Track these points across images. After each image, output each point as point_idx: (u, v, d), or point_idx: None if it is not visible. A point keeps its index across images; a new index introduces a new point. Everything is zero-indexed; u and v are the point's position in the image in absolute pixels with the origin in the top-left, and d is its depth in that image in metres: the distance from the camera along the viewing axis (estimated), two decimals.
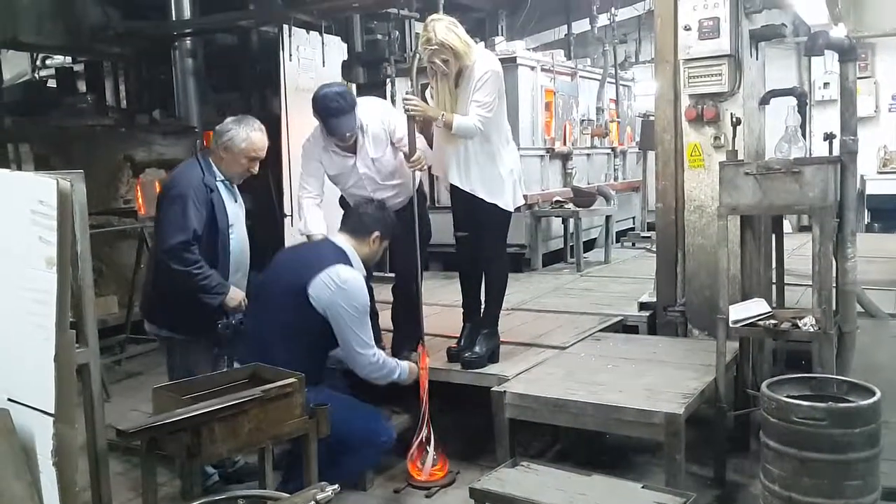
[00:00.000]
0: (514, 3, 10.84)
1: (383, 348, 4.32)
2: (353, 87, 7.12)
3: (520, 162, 4.27)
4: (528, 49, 8.62)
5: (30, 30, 7.22)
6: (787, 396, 3.08)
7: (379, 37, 7.84)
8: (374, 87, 7.45)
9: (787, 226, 4.60)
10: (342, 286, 3.46)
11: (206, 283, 3.56)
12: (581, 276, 7.11)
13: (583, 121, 9.06)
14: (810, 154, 4.47)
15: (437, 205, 6.81)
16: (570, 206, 7.70)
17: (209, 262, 3.60)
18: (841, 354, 3.82)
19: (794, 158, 3.83)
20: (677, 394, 3.58)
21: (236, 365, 3.42)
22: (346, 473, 3.50)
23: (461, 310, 4.35)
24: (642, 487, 3.07)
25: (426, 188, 5.36)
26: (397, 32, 7.70)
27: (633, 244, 9.10)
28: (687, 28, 4.38)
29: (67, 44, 7.81)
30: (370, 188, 4.17)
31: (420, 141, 4.02)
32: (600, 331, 4.88)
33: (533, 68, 7.94)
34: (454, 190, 4.11)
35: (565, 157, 8.48)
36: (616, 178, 9.80)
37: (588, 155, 9.21)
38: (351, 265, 3.60)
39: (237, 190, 3.89)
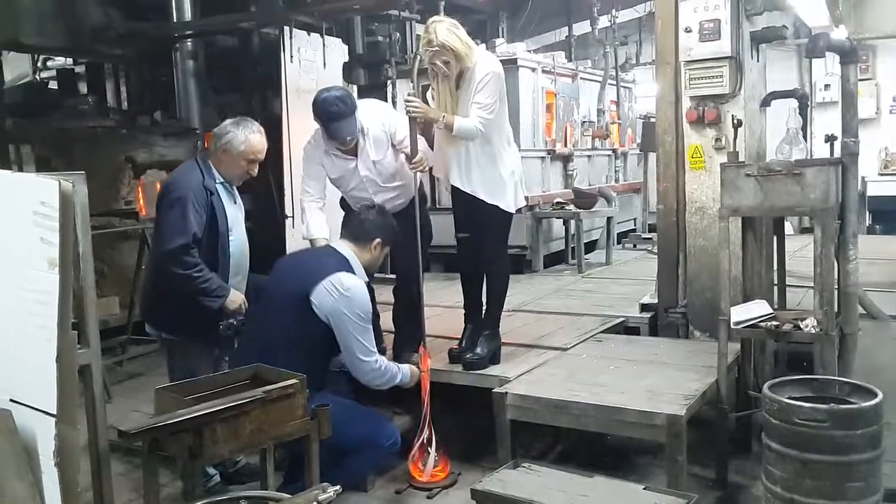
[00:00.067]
0: (514, 4, 10.86)
1: (384, 349, 4.32)
2: (354, 88, 7.13)
3: (521, 163, 4.27)
4: (529, 51, 8.63)
5: (31, 31, 7.22)
6: (789, 398, 3.07)
7: (380, 38, 7.85)
8: (375, 88, 7.45)
9: (788, 227, 4.60)
10: (345, 293, 3.47)
11: (206, 286, 3.56)
12: (582, 278, 7.11)
13: (584, 122, 9.07)
14: (811, 156, 4.48)
15: (437, 206, 6.81)
16: (572, 207, 7.70)
17: (209, 265, 3.60)
18: (843, 356, 3.81)
19: (795, 160, 3.83)
20: (679, 395, 3.58)
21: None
22: (349, 475, 3.51)
23: (462, 311, 4.35)
24: (644, 489, 3.07)
25: (427, 190, 5.36)
26: (398, 34, 7.70)
27: (635, 246, 9.10)
28: (688, 30, 4.39)
29: (68, 45, 7.81)
30: (371, 190, 4.17)
31: (421, 142, 4.02)
32: (602, 332, 4.88)
33: (534, 70, 7.94)
34: (455, 191, 4.11)
35: (566, 159, 8.48)
36: (617, 180, 9.80)
37: (589, 156, 9.22)
38: (353, 272, 3.61)
39: (237, 192, 3.89)
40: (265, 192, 7.55)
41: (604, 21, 10.20)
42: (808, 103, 4.85)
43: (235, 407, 2.72)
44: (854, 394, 3.13)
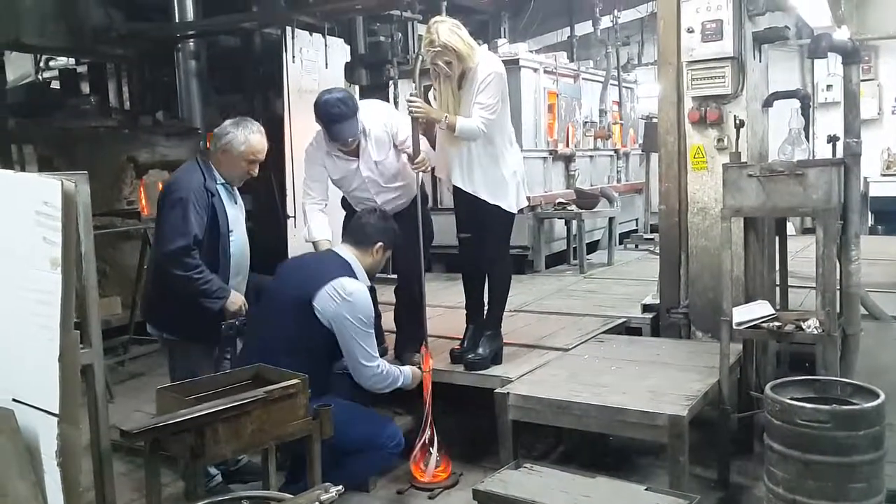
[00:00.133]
0: (517, 5, 10.86)
1: (386, 349, 4.33)
2: (356, 88, 7.13)
3: (523, 164, 4.27)
4: (531, 51, 8.63)
5: (33, 31, 7.22)
6: (791, 399, 3.07)
7: (382, 39, 7.85)
8: (377, 88, 7.46)
9: (790, 228, 4.60)
10: (347, 298, 3.48)
11: (206, 287, 3.56)
12: (584, 278, 7.11)
13: (586, 123, 9.06)
14: (814, 156, 4.47)
15: (439, 206, 6.81)
16: (573, 207, 7.70)
17: (210, 267, 3.60)
18: (845, 357, 3.81)
19: (797, 161, 3.83)
20: (681, 396, 3.57)
21: None
22: (352, 476, 3.51)
23: (464, 311, 4.35)
24: (646, 489, 3.06)
25: (428, 190, 5.36)
26: (400, 34, 7.70)
27: (637, 246, 9.10)
28: (690, 30, 4.39)
29: (71, 45, 7.81)
30: (373, 191, 4.18)
31: (423, 143, 4.02)
32: (603, 333, 4.88)
33: (536, 70, 7.95)
34: (457, 191, 4.11)
35: (568, 159, 8.48)
36: (619, 180, 9.80)
37: (591, 157, 9.21)
38: (356, 277, 3.61)
39: (237, 192, 3.89)
40: (267, 192, 7.56)
41: (606, 21, 10.19)
42: (811, 104, 4.84)
43: (237, 407, 2.73)
44: (856, 395, 3.12)
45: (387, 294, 4.57)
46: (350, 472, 3.46)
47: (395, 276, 4.52)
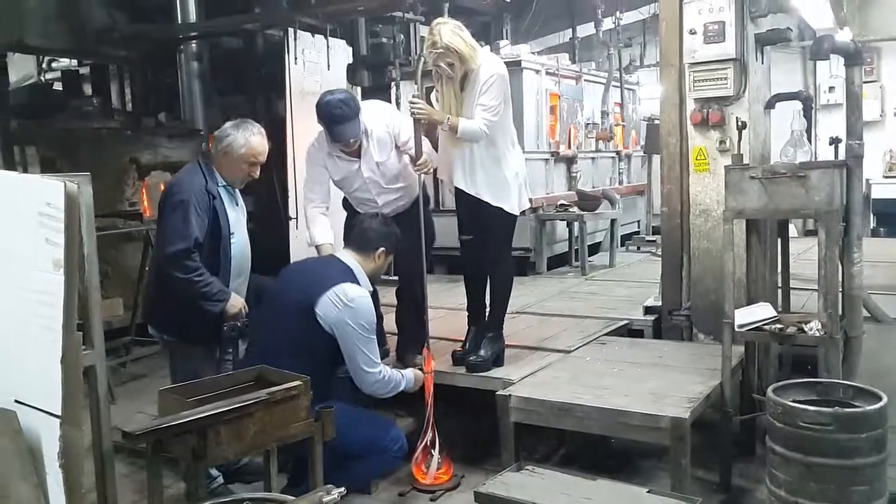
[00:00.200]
0: (518, 6, 10.85)
1: (388, 351, 4.33)
2: (358, 90, 7.13)
3: (525, 165, 4.27)
4: (533, 53, 8.63)
5: (36, 33, 7.24)
6: (793, 401, 3.07)
7: (384, 40, 7.84)
8: (379, 90, 7.45)
9: (792, 230, 4.59)
10: (349, 304, 3.48)
11: (206, 290, 3.56)
12: (586, 280, 7.10)
13: (587, 124, 9.06)
14: (816, 158, 4.46)
15: (441, 208, 6.82)
16: (575, 209, 7.70)
17: (210, 269, 3.60)
18: (847, 359, 3.81)
19: (799, 162, 3.83)
20: (683, 398, 3.57)
21: None
22: (354, 479, 3.51)
23: (466, 313, 4.35)
24: (648, 492, 3.05)
25: (430, 191, 5.36)
26: (402, 36, 7.70)
27: (638, 248, 9.09)
28: (692, 32, 4.38)
29: (73, 47, 7.83)
30: (375, 191, 4.18)
31: (425, 144, 4.02)
32: (605, 335, 4.87)
33: (538, 72, 7.94)
34: (459, 193, 4.11)
35: (570, 161, 8.48)
36: (621, 182, 9.79)
37: (593, 158, 9.21)
38: (357, 282, 3.61)
39: (239, 194, 3.89)
40: (269, 193, 7.56)
41: (608, 23, 10.19)
42: (813, 105, 4.84)
43: (239, 409, 2.73)
44: (858, 397, 3.12)
45: (388, 296, 4.57)
46: (352, 476, 3.46)
47: (396, 278, 4.52)
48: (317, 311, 3.49)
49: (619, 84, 9.87)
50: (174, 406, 2.83)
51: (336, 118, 3.91)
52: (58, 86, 9.18)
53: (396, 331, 4.49)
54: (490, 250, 4.16)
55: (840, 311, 3.74)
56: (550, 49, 10.60)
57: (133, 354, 6.31)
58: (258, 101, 8.34)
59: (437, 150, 4.15)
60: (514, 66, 7.23)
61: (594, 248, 8.60)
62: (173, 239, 3.55)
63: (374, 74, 7.65)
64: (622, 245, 8.96)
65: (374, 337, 3.61)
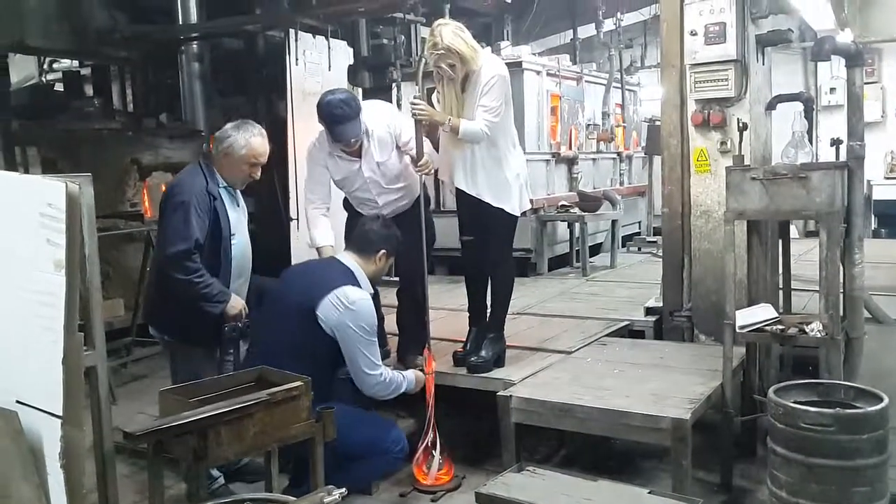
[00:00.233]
0: (519, 7, 10.85)
1: (388, 352, 4.33)
2: (359, 91, 7.14)
3: (526, 166, 4.27)
4: (534, 54, 8.63)
5: (37, 33, 7.24)
6: (795, 402, 3.07)
7: (385, 41, 7.85)
8: (380, 91, 7.46)
9: (793, 231, 4.59)
10: (350, 307, 3.49)
11: (206, 291, 3.56)
12: (587, 281, 7.10)
13: (588, 125, 9.06)
14: (817, 159, 4.46)
15: (442, 209, 6.82)
16: (576, 210, 7.70)
17: (211, 270, 3.61)
18: (848, 360, 3.80)
19: (800, 164, 3.82)
20: (684, 399, 3.57)
21: None
22: (356, 481, 3.51)
23: (467, 314, 4.35)
24: (649, 493, 3.05)
25: (431, 192, 5.36)
26: (403, 37, 7.71)
27: (639, 249, 9.08)
28: (693, 33, 4.38)
29: (74, 47, 7.83)
30: (375, 191, 4.18)
31: (427, 145, 4.03)
32: (606, 335, 4.87)
33: (539, 73, 7.95)
34: (460, 194, 4.11)
35: (571, 162, 8.47)
36: (622, 183, 9.79)
37: (594, 159, 9.21)
38: (358, 285, 3.62)
39: (240, 195, 3.89)
40: (270, 194, 7.56)
41: (609, 24, 10.18)
42: (814, 107, 4.84)
43: (240, 409, 2.73)
44: (860, 398, 3.12)
45: (389, 296, 4.57)
46: (354, 477, 3.46)
47: (397, 279, 4.52)
48: (318, 313, 3.49)
49: (620, 85, 9.86)
50: (175, 407, 2.83)
51: (337, 118, 3.91)
52: (59, 87, 9.18)
53: (397, 331, 4.48)
54: (491, 251, 4.16)
55: (841, 313, 3.74)
56: (551, 50, 10.60)
57: (134, 355, 6.31)
58: (259, 102, 8.35)
59: (438, 150, 4.15)
60: (515, 67, 7.23)
61: (595, 249, 8.59)
62: (174, 240, 3.56)
63: (375, 75, 7.66)
64: (623, 246, 8.95)
65: (375, 339, 3.61)
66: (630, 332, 5.10)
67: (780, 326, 3.70)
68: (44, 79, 9.75)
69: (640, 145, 10.44)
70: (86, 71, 9.26)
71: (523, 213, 4.27)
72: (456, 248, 4.37)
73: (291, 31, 6.67)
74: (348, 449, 3.41)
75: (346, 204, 4.42)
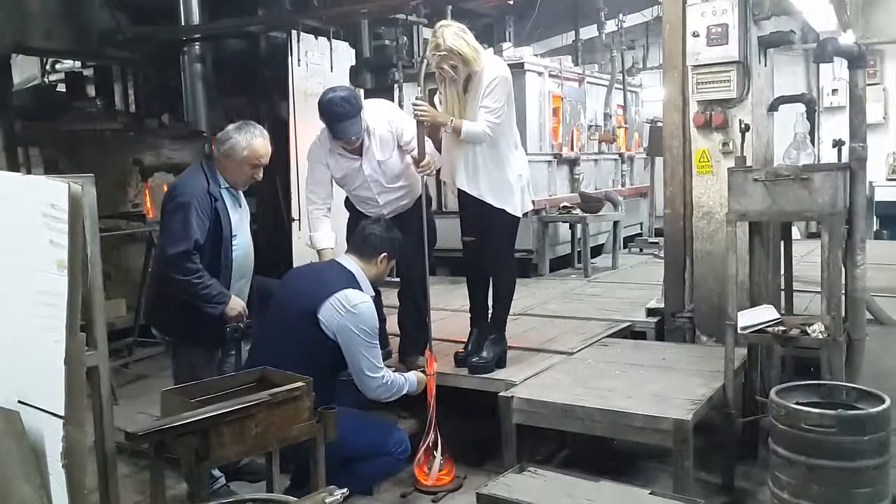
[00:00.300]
0: (521, 9, 10.85)
1: (390, 353, 4.33)
2: (361, 92, 7.14)
3: (528, 167, 4.27)
4: (536, 55, 8.63)
5: (39, 35, 7.26)
6: (796, 403, 3.07)
7: (387, 42, 7.85)
8: (382, 92, 7.45)
9: (795, 232, 4.58)
10: (352, 310, 3.49)
11: (206, 292, 3.57)
12: (588, 282, 7.10)
13: (590, 126, 9.06)
14: (819, 161, 4.46)
15: (444, 210, 6.82)
16: (578, 211, 7.70)
17: (211, 270, 3.61)
18: (850, 361, 3.80)
19: (803, 165, 3.82)
20: (686, 400, 3.57)
21: None
22: (358, 483, 3.51)
23: (468, 315, 4.35)
24: (650, 494, 3.06)
25: (432, 193, 5.37)
26: (405, 38, 7.71)
27: (641, 250, 9.08)
28: (695, 34, 4.38)
29: (77, 48, 7.85)
30: (375, 190, 4.19)
31: (429, 146, 4.03)
32: (608, 336, 4.87)
33: (541, 74, 7.95)
34: (462, 195, 4.11)
35: (573, 163, 8.48)
36: (623, 184, 9.79)
37: (595, 160, 9.22)
38: (360, 288, 3.62)
39: (242, 196, 3.90)
40: (271, 195, 7.57)
41: (611, 25, 10.19)
42: (816, 108, 4.83)
43: (241, 409, 2.73)
44: (861, 399, 3.12)
45: (391, 297, 4.57)
46: (356, 478, 3.46)
47: (399, 280, 4.52)
48: (319, 316, 3.49)
49: (621, 86, 9.88)
50: (177, 407, 2.83)
51: (338, 115, 3.92)
52: (61, 87, 9.20)
53: (399, 332, 4.48)
54: (492, 252, 4.16)
55: (843, 314, 3.74)
56: (553, 51, 10.60)
57: (136, 355, 6.32)
58: (261, 103, 8.35)
59: (440, 151, 4.15)
60: (518, 68, 7.24)
61: (597, 251, 8.59)
62: (173, 241, 3.56)
63: (377, 76, 7.66)
64: (625, 247, 8.95)
65: (377, 342, 3.61)
66: (632, 333, 5.10)
67: (781, 328, 3.69)
68: (46, 80, 9.76)
69: (641, 146, 10.44)
70: (88, 72, 9.27)
71: (525, 214, 4.27)
72: (457, 248, 4.37)
73: (293, 33, 6.67)
74: (351, 451, 3.42)
75: (348, 204, 4.43)
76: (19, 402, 2.33)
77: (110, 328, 4.83)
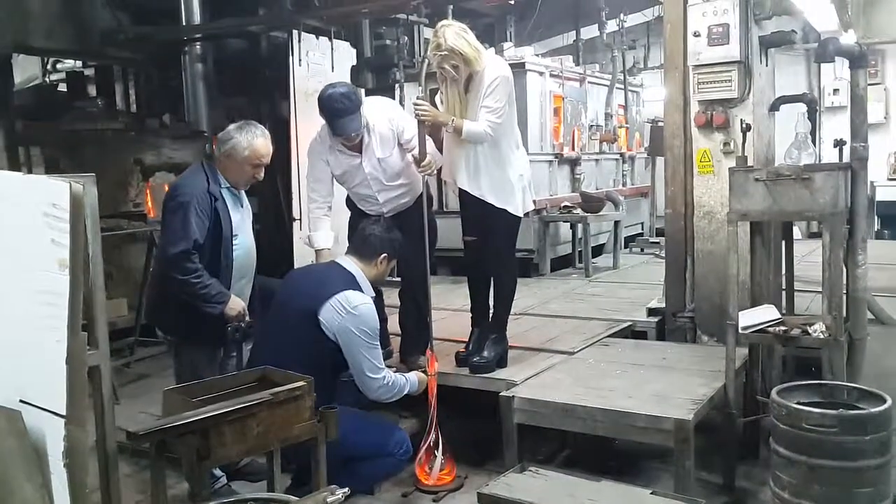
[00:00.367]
0: (522, 8, 10.85)
1: (391, 353, 4.33)
2: (362, 92, 7.15)
3: (529, 167, 4.27)
4: (537, 55, 8.63)
5: (40, 34, 7.27)
6: (797, 403, 3.07)
7: (388, 42, 7.87)
8: (383, 91, 7.46)
9: (796, 232, 4.58)
10: (352, 312, 3.49)
11: (205, 292, 3.57)
12: (589, 282, 7.10)
13: (591, 126, 9.06)
14: (820, 160, 4.46)
15: (444, 209, 6.82)
16: (579, 211, 7.70)
17: (212, 271, 3.61)
18: (851, 361, 3.80)
19: (804, 165, 3.82)
20: (687, 400, 3.57)
21: None
22: (360, 483, 3.51)
23: (469, 314, 4.35)
24: (651, 494, 3.05)
25: (433, 192, 5.36)
26: (406, 38, 7.72)
27: (642, 250, 9.08)
28: (696, 34, 4.38)
29: (78, 48, 7.86)
30: (375, 188, 4.19)
31: (430, 145, 4.03)
32: (609, 336, 4.87)
33: (542, 74, 7.95)
34: (463, 195, 4.11)
35: (574, 163, 8.48)
36: (624, 184, 9.79)
37: (596, 160, 9.21)
38: (360, 289, 3.62)
39: (244, 196, 3.90)
40: (272, 194, 7.57)
41: (612, 25, 10.19)
42: (817, 108, 4.82)
43: (243, 409, 2.73)
44: (863, 399, 3.12)
45: (392, 297, 4.57)
46: (357, 478, 3.45)
47: (399, 280, 4.52)
48: (320, 318, 3.49)
49: (622, 86, 9.87)
50: (178, 406, 2.83)
51: (338, 112, 3.91)
52: (62, 87, 9.21)
53: (400, 332, 4.48)
54: (494, 252, 4.16)
55: (844, 314, 3.73)
56: (554, 51, 10.60)
57: (137, 355, 6.32)
58: (262, 102, 8.37)
59: (441, 151, 4.15)
60: (519, 68, 7.23)
61: (597, 250, 8.58)
62: (173, 240, 3.57)
63: (378, 76, 7.68)
64: (626, 247, 8.95)
65: (378, 343, 3.61)
66: (633, 332, 5.10)
67: (782, 327, 3.69)
68: (47, 79, 9.77)
69: (642, 146, 10.43)
70: (89, 71, 9.29)
71: (526, 214, 4.27)
72: (458, 248, 4.37)
73: (294, 32, 6.68)
74: (352, 451, 3.42)
75: (350, 202, 4.43)
76: (21, 401, 2.33)
77: (112, 328, 4.83)
